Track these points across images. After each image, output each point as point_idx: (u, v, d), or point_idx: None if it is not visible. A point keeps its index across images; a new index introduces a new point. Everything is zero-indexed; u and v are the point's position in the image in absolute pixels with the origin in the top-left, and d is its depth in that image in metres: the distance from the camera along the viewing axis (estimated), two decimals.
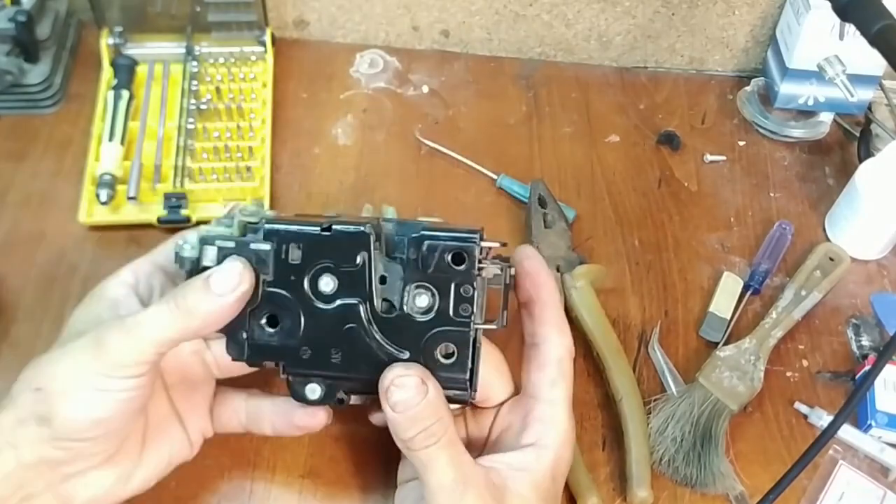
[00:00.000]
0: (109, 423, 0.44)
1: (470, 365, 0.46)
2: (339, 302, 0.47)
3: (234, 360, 0.48)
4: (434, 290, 0.46)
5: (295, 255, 0.46)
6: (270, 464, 0.57)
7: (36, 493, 0.43)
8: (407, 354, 0.46)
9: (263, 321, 0.47)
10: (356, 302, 0.46)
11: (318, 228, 0.46)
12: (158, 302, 0.44)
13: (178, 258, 0.47)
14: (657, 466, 0.58)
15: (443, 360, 0.46)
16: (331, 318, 0.47)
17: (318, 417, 0.50)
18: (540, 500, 0.46)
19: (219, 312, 0.44)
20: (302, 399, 0.48)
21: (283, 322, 0.47)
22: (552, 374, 0.49)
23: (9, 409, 0.43)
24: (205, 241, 0.47)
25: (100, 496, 0.46)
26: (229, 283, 0.44)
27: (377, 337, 0.46)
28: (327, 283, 0.46)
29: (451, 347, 0.46)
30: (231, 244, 0.46)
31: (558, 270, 0.66)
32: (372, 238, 0.46)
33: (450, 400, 0.46)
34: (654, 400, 0.61)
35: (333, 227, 0.46)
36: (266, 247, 0.46)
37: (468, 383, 0.47)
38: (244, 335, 0.47)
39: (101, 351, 0.43)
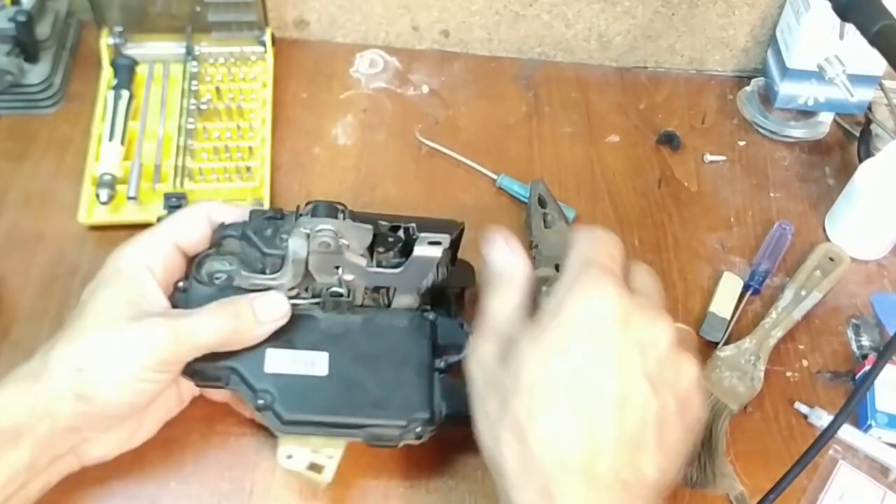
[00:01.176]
0: (140, 406, 0.50)
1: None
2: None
3: None
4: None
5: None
6: (270, 464, 0.57)
7: (62, 454, 0.49)
8: None
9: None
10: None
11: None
12: (212, 313, 0.50)
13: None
14: None
15: None
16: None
17: None
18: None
19: (260, 337, 0.52)
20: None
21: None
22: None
23: (47, 382, 0.47)
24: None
25: (108, 453, 0.52)
26: (274, 314, 0.52)
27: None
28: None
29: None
30: None
31: (557, 270, 0.65)
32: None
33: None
34: None
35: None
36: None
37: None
38: None
39: (153, 349, 0.48)
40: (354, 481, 0.56)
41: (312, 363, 0.52)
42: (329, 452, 0.52)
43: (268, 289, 0.53)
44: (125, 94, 0.71)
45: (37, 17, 0.72)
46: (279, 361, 0.52)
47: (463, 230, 0.57)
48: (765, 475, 0.59)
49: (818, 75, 0.74)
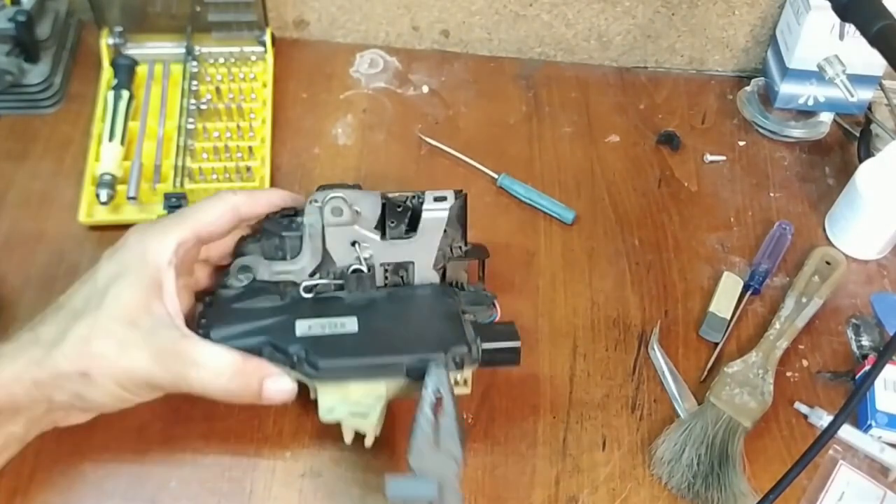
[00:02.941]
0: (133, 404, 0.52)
1: None
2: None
3: None
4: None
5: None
6: (270, 464, 0.57)
7: (48, 426, 0.52)
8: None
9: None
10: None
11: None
12: (221, 374, 0.50)
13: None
14: (677, 493, 0.58)
15: None
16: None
17: None
18: None
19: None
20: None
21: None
22: None
23: (50, 373, 0.48)
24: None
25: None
26: (279, 397, 0.52)
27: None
28: None
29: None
30: None
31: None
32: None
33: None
34: (667, 429, 0.60)
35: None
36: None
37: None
38: None
39: (156, 383, 0.50)
40: (355, 477, 0.56)
41: (342, 324, 0.53)
42: (369, 402, 0.52)
43: (290, 277, 0.55)
44: (125, 94, 0.71)
45: (37, 17, 0.72)
46: (309, 327, 0.53)
47: (466, 196, 0.58)
48: (765, 475, 0.59)
49: (818, 75, 0.74)
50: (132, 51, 0.75)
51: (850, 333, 0.68)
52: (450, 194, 0.56)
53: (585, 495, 0.58)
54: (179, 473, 0.56)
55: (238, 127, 0.72)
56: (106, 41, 0.74)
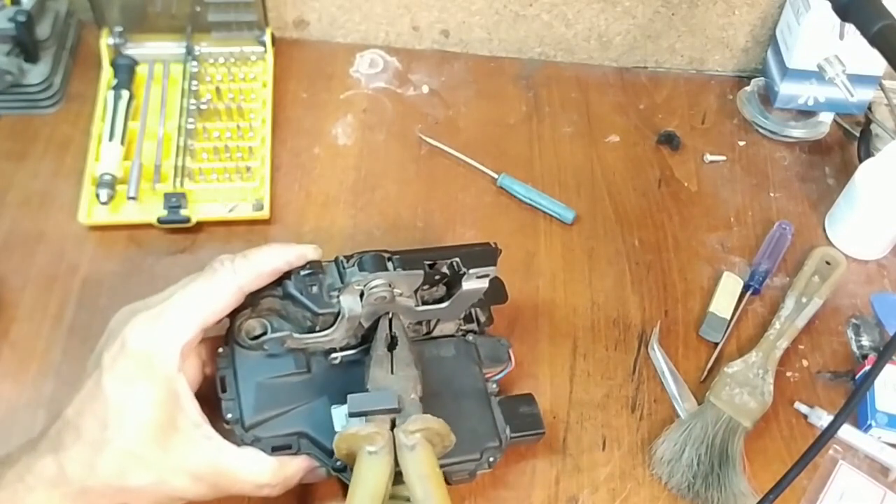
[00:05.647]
0: None
1: None
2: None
3: None
4: None
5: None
6: None
7: None
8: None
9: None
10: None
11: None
12: (271, 482, 0.50)
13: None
14: (677, 493, 0.58)
15: None
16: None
17: None
18: None
19: None
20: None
21: None
22: None
23: (86, 492, 0.46)
24: None
25: None
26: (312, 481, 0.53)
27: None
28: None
29: None
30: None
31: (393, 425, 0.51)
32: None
33: None
34: (667, 429, 0.60)
35: None
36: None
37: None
38: None
39: (201, 498, 0.49)
40: None
41: None
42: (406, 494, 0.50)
43: (320, 345, 0.53)
44: (125, 94, 0.71)
45: (37, 17, 0.72)
46: (346, 418, 0.51)
47: (500, 252, 0.57)
48: (765, 475, 0.59)
49: (818, 75, 0.74)
50: (132, 51, 0.75)
51: (850, 333, 0.68)
52: (492, 270, 0.55)
53: (585, 495, 0.58)
54: None
55: (238, 127, 0.72)
56: (106, 41, 0.74)
